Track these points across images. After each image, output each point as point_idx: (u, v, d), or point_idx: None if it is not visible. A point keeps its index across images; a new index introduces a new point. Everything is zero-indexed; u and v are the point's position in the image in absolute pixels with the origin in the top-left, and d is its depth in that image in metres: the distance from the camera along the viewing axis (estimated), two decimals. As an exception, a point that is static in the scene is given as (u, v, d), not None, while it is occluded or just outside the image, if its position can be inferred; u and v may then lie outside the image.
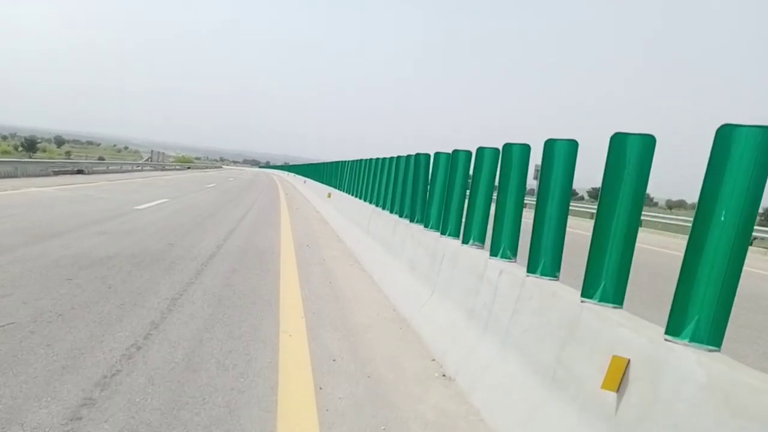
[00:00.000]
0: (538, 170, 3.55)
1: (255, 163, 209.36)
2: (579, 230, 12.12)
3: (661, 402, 1.87)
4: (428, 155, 5.36)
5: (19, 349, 3.05)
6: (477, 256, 3.61)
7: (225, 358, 3.18)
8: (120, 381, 2.76)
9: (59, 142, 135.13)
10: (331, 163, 16.52)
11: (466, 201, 4.26)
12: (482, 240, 3.82)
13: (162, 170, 42.40)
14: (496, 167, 3.73)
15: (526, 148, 3.21)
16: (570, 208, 2.87)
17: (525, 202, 3.39)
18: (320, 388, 2.91)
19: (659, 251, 13.48)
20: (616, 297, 2.34)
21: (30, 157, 44.17)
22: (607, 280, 2.36)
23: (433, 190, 4.91)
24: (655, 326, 2.10)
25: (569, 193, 2.77)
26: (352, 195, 10.46)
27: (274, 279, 5.49)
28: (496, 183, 3.78)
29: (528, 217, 2.85)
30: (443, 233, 4.41)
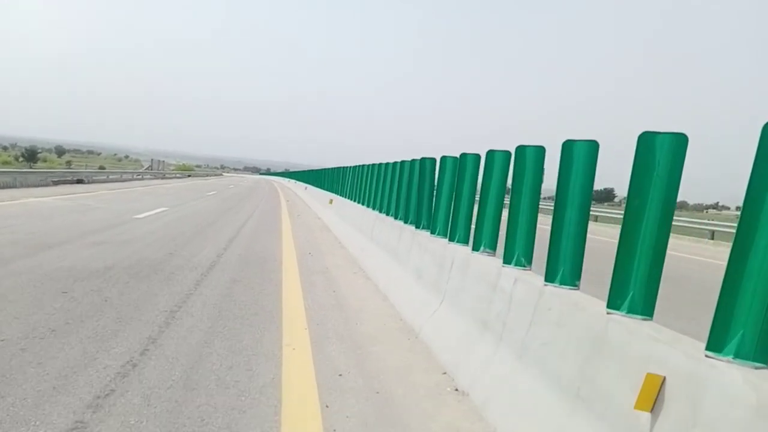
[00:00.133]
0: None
1: (256, 170, 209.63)
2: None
3: (702, 425, 1.70)
4: (434, 159, 5.21)
5: (8, 368, 2.88)
6: (489, 263, 3.45)
7: (225, 375, 3.01)
8: (114, 402, 2.59)
9: (60, 152, 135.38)
10: (333, 169, 16.39)
11: (475, 206, 4.11)
12: (494, 247, 3.66)
13: (162, 178, 42.31)
14: (508, 171, 3.58)
15: (540, 150, 3.05)
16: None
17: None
18: (326, 406, 2.74)
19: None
20: (645, 308, 2.17)
21: (31, 167, 44.12)
22: (635, 290, 2.19)
23: (440, 195, 4.75)
24: (692, 340, 1.94)
25: (590, 197, 2.61)
26: (355, 201, 10.31)
27: (276, 288, 5.33)
28: (507, 187, 3.63)
29: (542, 222, 2.69)
30: (452, 240, 4.25)
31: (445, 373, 3.30)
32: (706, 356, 1.78)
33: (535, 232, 3.13)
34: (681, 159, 2.07)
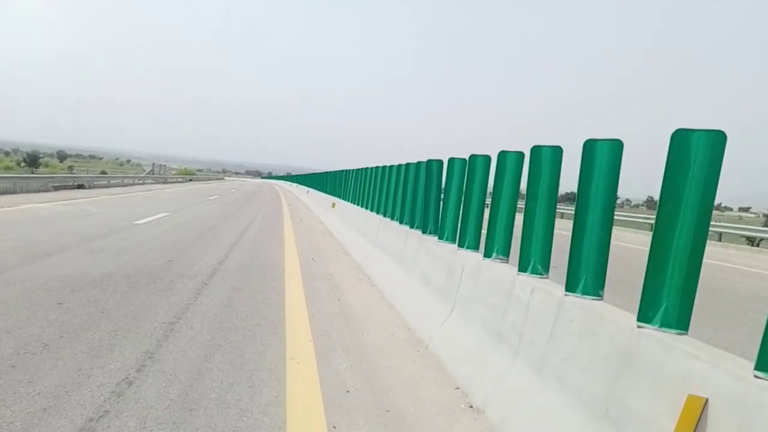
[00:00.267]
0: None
1: (257, 174, 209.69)
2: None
3: (753, 454, 1.53)
4: (441, 161, 5.05)
5: (-4, 387, 2.72)
6: (503, 271, 3.27)
7: (226, 393, 2.84)
8: (107, 425, 2.42)
9: (62, 156, 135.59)
10: (335, 172, 16.23)
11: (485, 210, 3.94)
12: (507, 253, 3.49)
13: (164, 183, 42.22)
14: (521, 173, 3.42)
15: (557, 151, 2.88)
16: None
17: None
18: (334, 427, 2.57)
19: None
20: (680, 322, 2.00)
21: (32, 173, 44.08)
22: (669, 302, 2.02)
23: (448, 199, 4.58)
24: (737, 358, 1.76)
25: (614, 201, 2.44)
26: (358, 205, 10.14)
27: (278, 297, 5.16)
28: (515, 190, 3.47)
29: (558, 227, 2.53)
30: (461, 246, 4.08)
31: (457, 387, 3.13)
32: (756, 377, 1.61)
33: (552, 238, 2.96)
34: (719, 158, 1.90)
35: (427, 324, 4.12)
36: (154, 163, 61.74)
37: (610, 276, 2.49)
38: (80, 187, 24.07)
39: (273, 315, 4.47)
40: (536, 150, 2.94)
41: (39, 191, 19.45)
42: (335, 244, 9.85)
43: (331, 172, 17.80)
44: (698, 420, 1.72)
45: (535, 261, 3.00)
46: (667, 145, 1.97)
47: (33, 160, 68.66)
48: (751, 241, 19.24)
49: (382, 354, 3.68)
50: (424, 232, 5.17)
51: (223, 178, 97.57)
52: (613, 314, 2.27)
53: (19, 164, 64.17)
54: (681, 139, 1.95)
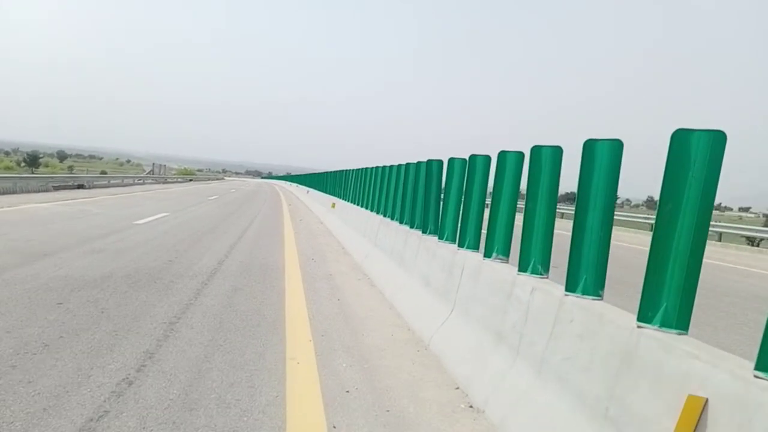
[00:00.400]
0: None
1: (257, 174, 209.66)
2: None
3: (753, 454, 1.53)
4: (441, 161, 5.05)
5: (-4, 387, 2.72)
6: (503, 271, 3.27)
7: (226, 393, 2.84)
8: (107, 425, 2.42)
9: (62, 156, 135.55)
10: (335, 172, 16.23)
11: (485, 210, 3.94)
12: (507, 253, 3.49)
13: (164, 183, 42.21)
14: (521, 173, 3.42)
15: (557, 151, 2.88)
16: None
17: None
18: (334, 427, 2.57)
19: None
20: (680, 321, 2.00)
21: (32, 173, 44.09)
22: (669, 302, 2.02)
23: (448, 199, 4.58)
24: (737, 358, 1.77)
25: (614, 200, 2.44)
26: (358, 205, 10.14)
27: (278, 297, 5.16)
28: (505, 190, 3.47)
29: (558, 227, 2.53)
30: (461, 246, 4.08)
31: (457, 388, 3.13)
32: (756, 377, 1.61)
33: (552, 238, 2.96)
34: (719, 158, 1.90)
35: (427, 324, 4.12)
36: (154, 163, 61.72)
37: (610, 276, 2.49)
38: (80, 187, 24.08)
39: (273, 315, 4.47)
40: (536, 150, 2.94)
41: (39, 191, 19.45)
42: (335, 244, 9.85)
43: (331, 172, 17.80)
44: (698, 420, 1.72)
45: (535, 261, 3.00)
46: (667, 145, 1.97)
47: (33, 160, 68.67)
48: (751, 241, 19.25)
49: (382, 354, 3.68)
50: (424, 232, 5.17)
51: (223, 178, 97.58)
52: (613, 314, 2.26)
53: (19, 164, 64.16)
54: (681, 139, 1.95)
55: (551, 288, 2.74)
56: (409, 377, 3.28)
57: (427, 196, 5.20)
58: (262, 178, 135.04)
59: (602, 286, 2.49)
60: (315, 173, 27.41)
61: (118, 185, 30.64)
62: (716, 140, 1.90)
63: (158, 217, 12.26)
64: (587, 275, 2.50)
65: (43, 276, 5.22)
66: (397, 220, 6.46)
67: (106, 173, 50.06)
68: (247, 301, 4.86)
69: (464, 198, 4.09)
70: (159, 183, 41.16)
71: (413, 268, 5.19)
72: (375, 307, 5.06)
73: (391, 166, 7.09)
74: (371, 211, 8.45)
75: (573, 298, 2.52)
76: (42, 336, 3.52)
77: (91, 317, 4.00)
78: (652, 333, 2.01)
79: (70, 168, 77.43)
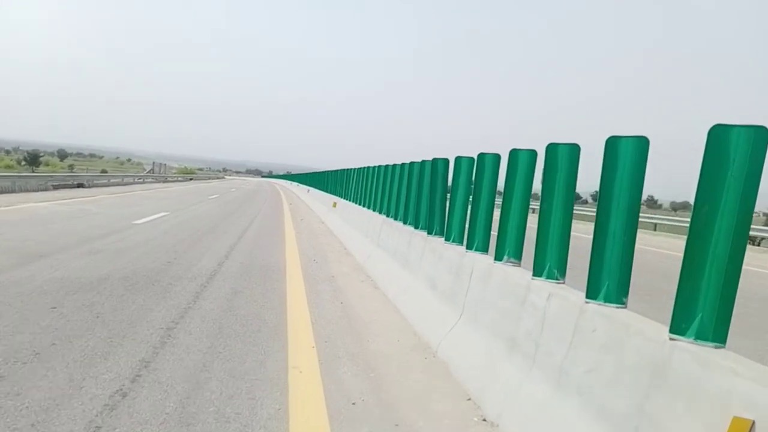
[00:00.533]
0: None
1: (258, 172, 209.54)
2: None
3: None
4: (447, 160, 4.89)
5: (-19, 400, 2.57)
6: (515, 275, 3.12)
7: (225, 406, 2.69)
8: (98, 442, 2.27)
9: (62, 155, 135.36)
10: (336, 171, 16.07)
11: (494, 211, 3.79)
12: (518, 256, 3.33)
13: (164, 182, 42.07)
14: (533, 172, 3.26)
15: (575, 149, 2.73)
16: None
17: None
18: (340, 443, 2.42)
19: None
20: (717, 334, 1.85)
21: (33, 171, 43.94)
22: (705, 313, 1.86)
23: (455, 199, 4.42)
24: (785, 377, 1.61)
25: (639, 202, 2.29)
26: (360, 204, 9.98)
27: (280, 300, 5.00)
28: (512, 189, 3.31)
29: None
30: (469, 248, 3.92)
31: (469, 399, 2.97)
32: (809, 398, 1.46)
33: (569, 241, 2.81)
34: (761, 156, 1.74)
35: (434, 329, 3.97)
36: (154, 162, 61.57)
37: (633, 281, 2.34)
38: (80, 185, 23.94)
39: (274, 319, 4.32)
40: (552, 148, 2.78)
41: (38, 190, 19.31)
42: (337, 244, 9.70)
43: (332, 171, 17.64)
44: (743, 444, 1.57)
45: (550, 265, 2.84)
46: (664, 145, 1.82)
47: (33, 159, 68.46)
48: (752, 241, 19.07)
49: (388, 362, 3.52)
50: (429, 233, 5.01)
51: (223, 177, 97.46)
52: (641, 324, 2.11)
53: (19, 163, 64.03)
54: (719, 136, 1.79)
55: (570, 294, 2.59)
56: (418, 387, 3.12)
57: (433, 196, 5.04)
58: (263, 176, 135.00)
59: (626, 294, 2.33)
60: (316, 172, 27.24)
61: (118, 184, 30.50)
62: (758, 136, 1.74)
63: (158, 216, 12.12)
64: (610, 281, 2.35)
65: (38, 278, 5.07)
66: (400, 220, 6.30)
67: (106, 172, 49.91)
68: (248, 305, 4.70)
69: (473, 198, 3.93)
70: (159, 182, 41.02)
71: (418, 270, 5.04)
72: (379, 310, 4.91)
73: (395, 165, 6.93)
74: (374, 210, 8.29)
75: (595, 306, 2.36)
76: (33, 343, 3.37)
77: (86, 323, 3.85)
78: (686, 346, 1.85)
79: (71, 167, 77.27)
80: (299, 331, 4.04)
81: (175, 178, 51.96)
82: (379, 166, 8.15)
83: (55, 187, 21.21)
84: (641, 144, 2.22)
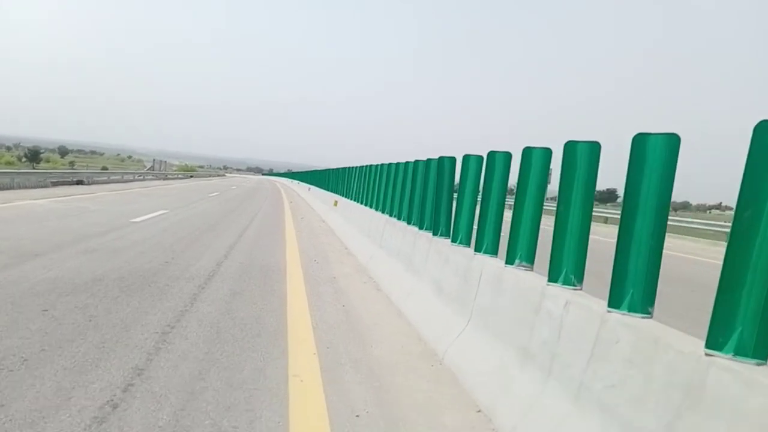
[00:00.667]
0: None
1: (258, 170, 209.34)
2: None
3: None
4: (453, 158, 4.72)
5: (-38, 413, 2.41)
6: (528, 280, 2.96)
7: (222, 418, 2.53)
8: (85, 459, 2.12)
9: (63, 152, 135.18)
10: (337, 169, 15.90)
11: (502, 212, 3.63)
12: (531, 260, 3.17)
13: (164, 179, 41.90)
14: (548, 172, 3.10)
15: (595, 147, 2.56)
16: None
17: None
18: (344, 461, 2.26)
19: (692, 259, 12.76)
20: (758, 350, 1.68)
21: (33, 168, 43.78)
22: (745, 326, 1.70)
23: (462, 199, 4.26)
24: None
25: (668, 205, 2.12)
26: (362, 203, 9.82)
27: (280, 303, 4.84)
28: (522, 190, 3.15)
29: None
30: (478, 250, 3.75)
31: (479, 411, 2.81)
32: None
33: (587, 245, 2.64)
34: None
35: (440, 335, 3.81)
36: (154, 159, 61.41)
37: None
38: (79, 183, 23.78)
39: (274, 323, 4.16)
40: (571, 146, 2.62)
41: (37, 187, 19.15)
42: (338, 243, 9.54)
43: (333, 169, 17.47)
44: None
45: (567, 270, 2.68)
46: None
47: (34, 156, 68.28)
48: None
49: (393, 370, 3.36)
50: (434, 234, 4.85)
51: (224, 175, 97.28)
52: (671, 337, 1.95)
53: (20, 159, 63.88)
54: (763, 132, 1.63)
55: (589, 302, 2.43)
56: (425, 397, 2.97)
57: (438, 196, 4.87)
58: (263, 174, 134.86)
59: (652, 303, 2.17)
60: (317, 170, 27.07)
61: (117, 181, 30.34)
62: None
63: (157, 214, 11.96)
64: (635, 290, 2.19)
65: (31, 279, 4.92)
66: (404, 220, 6.14)
67: (107, 169, 49.75)
68: (247, 308, 4.54)
69: (482, 199, 3.77)
70: (159, 179, 40.86)
71: (423, 273, 4.87)
72: (382, 314, 4.75)
73: (398, 164, 6.77)
74: (376, 210, 8.13)
75: (618, 316, 2.20)
76: (22, 349, 3.21)
77: (78, 326, 3.69)
78: (725, 363, 1.69)
79: (71, 163, 77.18)
80: (300, 336, 3.89)
81: (176, 176, 51.81)
82: (383, 165, 7.98)
83: (54, 184, 21.05)
84: (672, 141, 2.06)
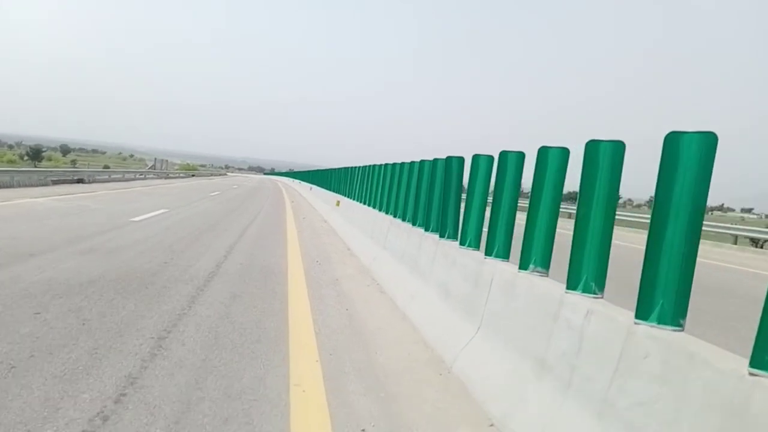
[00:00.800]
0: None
1: (260, 170, 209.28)
2: (632, 243, 10.90)
3: None
4: (462, 158, 4.57)
5: (-58, 425, 2.26)
6: (544, 287, 2.80)
7: (219, 432, 2.38)
8: (70, 478, 1.96)
9: (65, 150, 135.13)
10: (339, 169, 15.74)
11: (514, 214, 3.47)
12: (546, 265, 3.01)
13: (165, 178, 41.76)
14: (564, 173, 2.94)
15: (619, 146, 2.41)
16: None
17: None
18: (349, 481, 2.10)
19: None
20: (810, 370, 1.52)
21: (35, 166, 43.66)
22: (796, 345, 1.54)
23: (471, 201, 4.10)
24: None
25: (703, 208, 1.96)
26: (365, 204, 9.66)
27: (281, 306, 4.69)
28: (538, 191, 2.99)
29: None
30: (488, 254, 3.60)
31: (492, 424, 2.65)
32: None
33: (609, 250, 2.49)
34: None
35: (449, 342, 3.65)
36: (155, 158, 61.30)
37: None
38: (80, 181, 23.64)
39: (275, 328, 4.00)
40: (593, 145, 2.46)
41: (37, 185, 19.02)
42: (340, 244, 9.38)
43: (335, 169, 17.31)
44: None
45: (587, 277, 2.52)
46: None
47: (36, 154, 68.14)
48: (755, 243, 18.75)
49: (399, 379, 3.20)
50: (441, 236, 4.69)
51: (225, 174, 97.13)
52: (709, 353, 1.79)
53: (22, 158, 63.78)
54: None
55: (613, 312, 2.27)
56: (434, 410, 2.81)
57: (446, 197, 4.71)
58: (265, 174, 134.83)
59: (684, 315, 2.01)
60: (318, 170, 26.91)
61: (118, 180, 30.21)
62: None
63: (157, 213, 11.81)
64: (664, 300, 2.03)
65: (25, 280, 4.77)
66: (409, 221, 5.98)
67: (108, 167, 49.63)
68: (247, 311, 4.39)
69: (493, 201, 3.61)
70: (161, 178, 40.72)
71: (429, 276, 4.72)
72: (387, 318, 4.59)
73: (403, 163, 6.61)
74: (380, 210, 7.97)
75: (646, 328, 2.04)
76: (10, 355, 3.06)
77: (70, 331, 3.53)
78: (772, 384, 1.53)
79: (73, 162, 77.05)
80: (302, 342, 3.73)
81: (177, 175, 51.67)
82: (387, 165, 7.82)
83: (55, 183, 20.91)
84: (708, 140, 1.90)
